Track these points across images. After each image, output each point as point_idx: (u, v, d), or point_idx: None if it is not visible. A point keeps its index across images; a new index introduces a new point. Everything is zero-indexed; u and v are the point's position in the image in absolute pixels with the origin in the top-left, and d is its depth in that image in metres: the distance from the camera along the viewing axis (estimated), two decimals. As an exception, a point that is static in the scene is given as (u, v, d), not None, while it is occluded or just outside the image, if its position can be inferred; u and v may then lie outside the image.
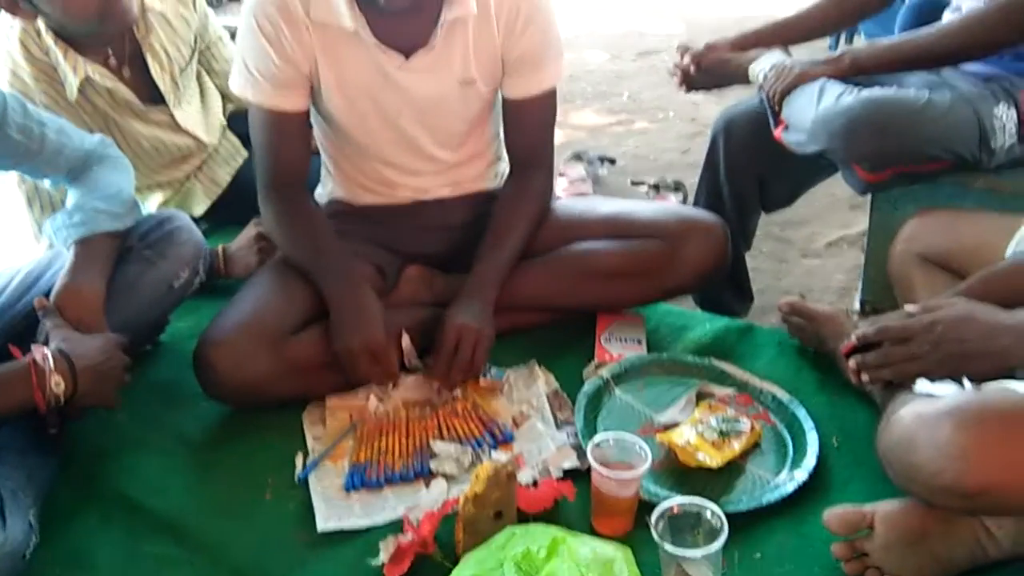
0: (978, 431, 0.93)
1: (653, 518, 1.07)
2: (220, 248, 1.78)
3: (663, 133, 3.23)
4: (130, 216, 1.45)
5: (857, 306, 1.96)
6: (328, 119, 1.54)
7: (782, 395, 1.41)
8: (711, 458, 1.26)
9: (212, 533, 1.23)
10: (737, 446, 1.29)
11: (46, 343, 1.26)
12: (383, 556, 1.13)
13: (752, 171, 1.78)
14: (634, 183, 2.74)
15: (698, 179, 1.90)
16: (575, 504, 1.21)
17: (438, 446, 1.34)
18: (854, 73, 1.57)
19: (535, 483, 1.24)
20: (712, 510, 1.08)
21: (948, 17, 1.63)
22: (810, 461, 1.27)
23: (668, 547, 1.04)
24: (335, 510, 1.25)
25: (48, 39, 1.60)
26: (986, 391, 1.02)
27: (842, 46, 3.50)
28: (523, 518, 1.16)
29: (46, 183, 1.57)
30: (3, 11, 1.56)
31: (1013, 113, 1.50)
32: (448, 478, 1.29)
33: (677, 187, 2.63)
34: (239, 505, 1.28)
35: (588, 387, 1.43)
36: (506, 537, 1.02)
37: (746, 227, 1.87)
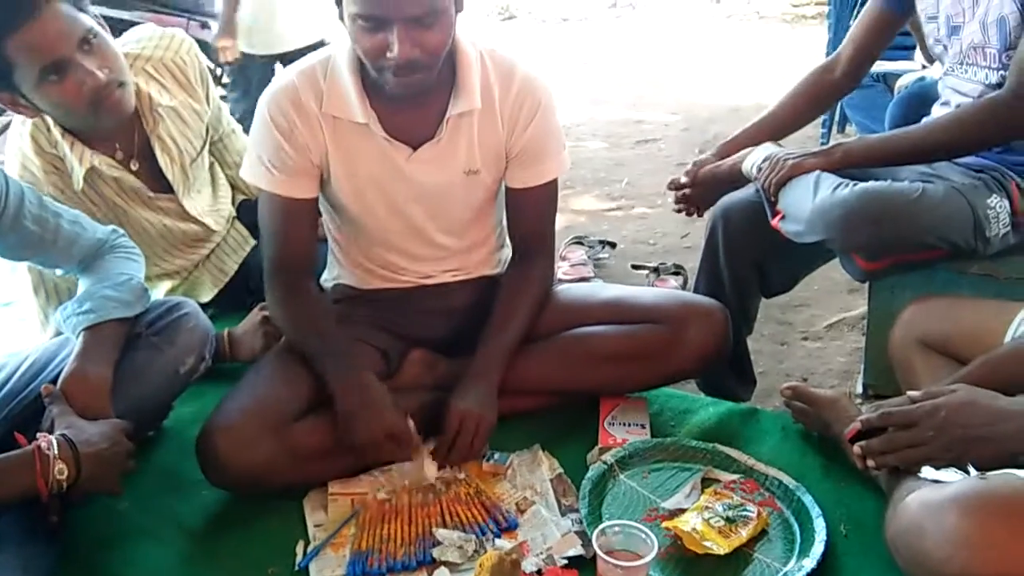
0: (983, 519, 0.93)
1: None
2: (226, 332, 1.80)
3: (662, 218, 3.29)
4: (139, 303, 1.46)
5: (860, 390, 1.96)
6: (336, 206, 1.58)
7: (788, 481, 1.40)
8: (718, 545, 1.25)
9: (212, 624, 1.21)
10: (744, 533, 1.28)
11: (51, 430, 1.26)
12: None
13: (751, 257, 1.81)
14: (634, 267, 2.78)
15: (698, 264, 1.92)
16: (580, 593, 1.19)
17: (441, 533, 1.32)
18: (846, 165, 1.61)
19: (539, 572, 1.23)
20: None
21: (937, 111, 1.68)
22: (818, 548, 1.25)
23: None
24: (336, 600, 1.23)
25: (56, 133, 1.65)
26: (991, 479, 1.02)
27: (834, 138, 3.60)
28: (528, 608, 1.14)
29: (57, 272, 1.59)
30: (8, 109, 1.60)
31: (1006, 203, 1.54)
32: (451, 566, 1.27)
33: (677, 271, 2.66)
34: (239, 595, 1.26)
35: (592, 472, 1.43)
36: (511, 628, 1.00)
37: (747, 311, 1.89)
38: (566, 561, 1.26)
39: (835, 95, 1.90)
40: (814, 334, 2.41)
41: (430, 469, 1.47)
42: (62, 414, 1.28)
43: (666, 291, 1.99)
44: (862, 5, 1.86)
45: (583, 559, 1.26)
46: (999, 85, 1.50)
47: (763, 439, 1.55)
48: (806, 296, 2.54)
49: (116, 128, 1.68)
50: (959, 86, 1.62)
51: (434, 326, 1.66)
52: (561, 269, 2.66)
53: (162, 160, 1.76)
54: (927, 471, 1.14)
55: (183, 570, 1.32)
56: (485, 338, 1.54)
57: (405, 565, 1.28)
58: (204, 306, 1.73)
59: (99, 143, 1.68)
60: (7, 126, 1.68)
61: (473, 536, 1.32)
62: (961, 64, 1.60)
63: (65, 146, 1.65)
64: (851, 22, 2.01)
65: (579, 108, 5.02)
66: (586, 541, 1.28)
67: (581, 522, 1.33)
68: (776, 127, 1.87)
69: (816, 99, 1.88)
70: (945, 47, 1.63)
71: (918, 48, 2.88)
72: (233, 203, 2.03)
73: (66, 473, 1.19)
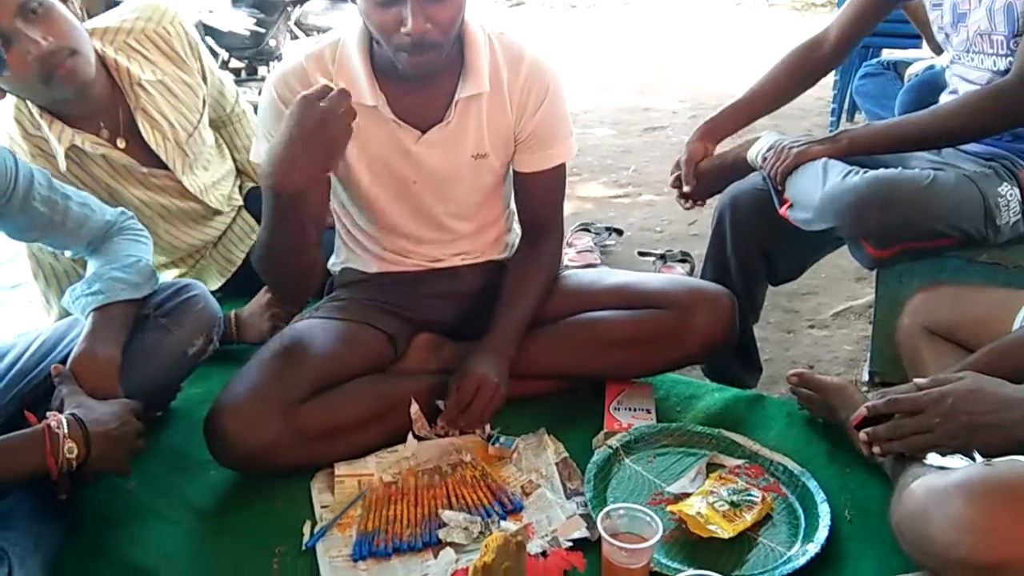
0: (989, 505, 0.94)
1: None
2: (233, 314, 1.81)
3: (669, 205, 3.28)
4: (148, 285, 1.47)
5: (866, 377, 1.96)
6: (345, 188, 1.58)
7: (793, 466, 1.41)
8: (723, 529, 1.25)
9: (219, 602, 1.22)
10: (749, 517, 1.28)
11: (61, 409, 1.27)
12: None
13: (758, 246, 1.80)
14: (641, 254, 2.77)
15: (705, 252, 1.92)
16: (585, 575, 1.20)
17: (447, 515, 1.33)
18: (851, 153, 1.60)
19: (544, 553, 1.23)
20: (724, 583, 1.07)
21: (946, 100, 1.67)
22: (822, 533, 1.26)
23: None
24: (343, 580, 1.24)
25: (35, 113, 1.62)
26: (996, 465, 1.02)
27: (843, 127, 3.59)
28: (533, 590, 1.15)
29: (66, 253, 1.59)
30: None
31: (1016, 191, 1.53)
32: (457, 547, 1.28)
33: (684, 258, 2.66)
34: (247, 574, 1.27)
35: (598, 456, 1.43)
36: (517, 609, 1.01)
37: (753, 299, 1.89)
38: (571, 543, 1.27)
39: (821, 72, 1.88)
40: (820, 322, 2.41)
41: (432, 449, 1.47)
42: (72, 394, 1.29)
43: (673, 277, 1.99)
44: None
45: (588, 542, 1.27)
46: (1007, 71, 1.49)
47: (768, 425, 1.56)
48: (813, 284, 2.54)
49: (97, 105, 1.65)
50: (966, 74, 1.61)
51: (441, 310, 1.66)
52: (567, 256, 2.65)
53: (150, 136, 1.71)
54: (933, 457, 1.14)
55: (191, 549, 1.33)
56: (497, 315, 1.55)
57: (411, 546, 1.29)
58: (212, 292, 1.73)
59: (81, 121, 1.65)
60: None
61: (479, 518, 1.33)
62: (968, 52, 1.59)
63: (44, 126, 1.62)
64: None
65: (586, 95, 5.01)
66: (591, 524, 1.29)
67: (586, 505, 1.33)
68: (760, 105, 1.86)
69: (802, 76, 1.86)
70: (948, 35, 1.62)
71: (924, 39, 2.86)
72: (241, 191, 2.00)
73: (76, 452, 1.20)
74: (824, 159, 1.59)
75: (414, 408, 1.50)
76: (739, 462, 1.44)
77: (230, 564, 1.29)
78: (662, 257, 2.68)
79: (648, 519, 1.16)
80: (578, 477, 1.42)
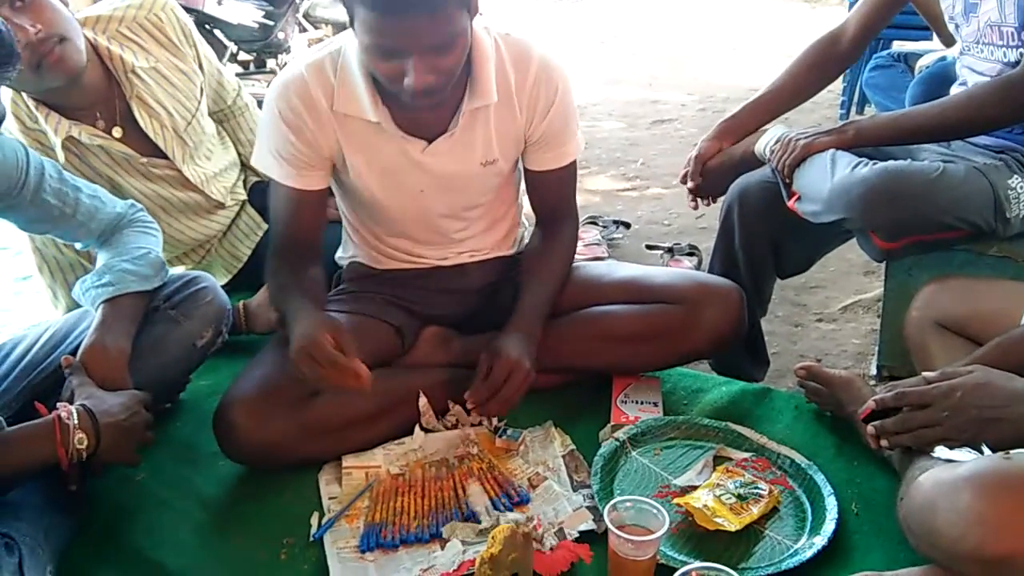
0: (997, 498, 0.93)
1: (671, 583, 1.07)
2: (241, 304, 1.81)
3: (677, 199, 3.28)
4: (158, 277, 1.48)
5: (874, 371, 1.96)
6: (351, 194, 1.57)
7: (800, 460, 1.41)
8: (729, 522, 1.25)
9: (228, 592, 1.23)
10: (756, 510, 1.28)
11: (71, 400, 1.28)
12: (399, 618, 1.12)
13: (766, 239, 1.80)
14: (649, 247, 2.77)
15: (713, 245, 1.92)
16: (591, 567, 1.21)
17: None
18: (858, 144, 1.59)
19: (551, 546, 1.24)
20: (731, 575, 1.07)
21: (955, 92, 1.66)
22: (829, 527, 1.26)
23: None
24: (350, 571, 1.24)
25: (31, 106, 1.62)
26: (1015, 457, 1.02)
27: (851, 118, 3.56)
28: (540, 581, 1.15)
29: (77, 246, 1.60)
30: None
31: (1026, 184, 1.52)
32: (463, 539, 1.28)
33: (692, 252, 2.65)
34: (255, 565, 1.28)
35: (604, 449, 1.43)
36: (523, 600, 1.01)
37: (761, 293, 1.88)
38: (577, 535, 1.27)
39: (841, 67, 1.88)
40: (828, 316, 2.41)
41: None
42: (82, 385, 1.30)
43: (681, 271, 1.98)
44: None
45: (594, 534, 1.27)
46: (1017, 63, 1.48)
47: (776, 418, 1.56)
48: (821, 277, 2.53)
49: (93, 95, 1.64)
50: (975, 65, 1.60)
51: (449, 304, 1.66)
52: (575, 248, 2.65)
53: (148, 125, 1.70)
54: (940, 451, 1.14)
55: (199, 540, 1.34)
56: (520, 300, 1.54)
57: (418, 537, 1.30)
58: (220, 284, 1.73)
59: (77, 112, 1.64)
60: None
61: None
62: (977, 43, 1.58)
63: (41, 118, 1.61)
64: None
65: (595, 88, 4.99)
66: (597, 516, 1.29)
67: (593, 497, 1.33)
68: (780, 102, 1.85)
69: (822, 72, 1.85)
70: (959, 25, 1.61)
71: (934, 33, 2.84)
72: (245, 185, 1.99)
73: (86, 443, 1.21)
74: (832, 151, 1.58)
75: (422, 401, 1.50)
76: (746, 455, 1.44)
77: (238, 555, 1.30)
78: (670, 250, 2.67)
79: (655, 512, 1.17)
80: (585, 470, 1.42)
